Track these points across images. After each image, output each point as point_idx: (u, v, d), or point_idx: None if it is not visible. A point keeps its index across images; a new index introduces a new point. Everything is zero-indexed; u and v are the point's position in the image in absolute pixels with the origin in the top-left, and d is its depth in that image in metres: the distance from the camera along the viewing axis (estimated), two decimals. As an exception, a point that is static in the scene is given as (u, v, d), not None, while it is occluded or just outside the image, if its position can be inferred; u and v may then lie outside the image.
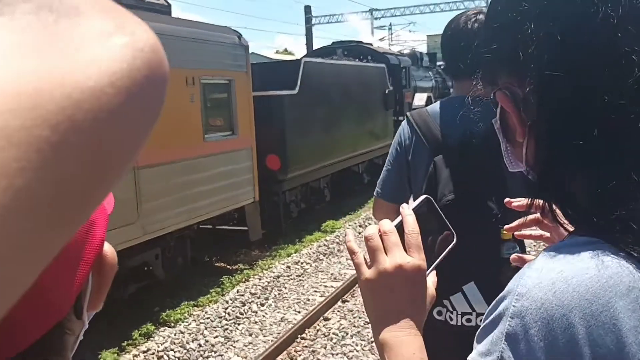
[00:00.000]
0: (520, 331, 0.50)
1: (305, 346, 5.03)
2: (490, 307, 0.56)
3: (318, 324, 5.45)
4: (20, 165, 0.20)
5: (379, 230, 0.74)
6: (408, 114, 1.99)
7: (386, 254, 0.72)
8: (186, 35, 6.20)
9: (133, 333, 5.27)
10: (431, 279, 0.77)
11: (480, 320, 0.59)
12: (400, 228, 0.75)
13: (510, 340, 0.51)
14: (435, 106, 1.96)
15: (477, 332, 0.57)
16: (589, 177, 0.55)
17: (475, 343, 0.57)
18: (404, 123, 1.99)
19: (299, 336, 5.18)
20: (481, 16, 1.88)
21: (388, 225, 0.74)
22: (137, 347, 5.11)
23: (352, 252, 0.76)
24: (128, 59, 0.24)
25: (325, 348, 4.97)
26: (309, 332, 5.29)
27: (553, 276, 0.51)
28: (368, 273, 0.72)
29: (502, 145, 0.73)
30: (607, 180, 0.54)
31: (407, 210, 0.76)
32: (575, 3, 0.57)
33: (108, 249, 0.41)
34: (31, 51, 0.22)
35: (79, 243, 0.35)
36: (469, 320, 1.79)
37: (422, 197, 0.82)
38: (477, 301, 1.77)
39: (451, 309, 1.79)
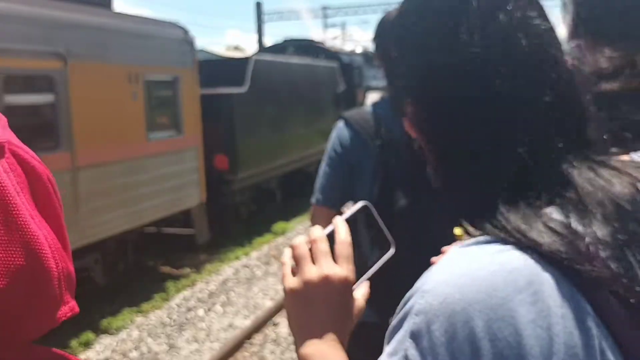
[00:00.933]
0: (423, 327, 0.51)
1: (254, 352, 4.93)
2: (399, 306, 0.56)
3: (266, 329, 5.35)
4: None
5: (308, 239, 0.73)
6: (345, 114, 1.88)
7: (314, 263, 0.71)
8: (128, 30, 5.99)
9: (71, 342, 5.06)
10: (361, 291, 0.75)
11: None
12: (331, 237, 0.73)
13: (415, 337, 0.51)
14: (375, 104, 1.89)
15: (387, 332, 0.56)
16: (480, 182, 0.59)
17: (385, 344, 0.56)
18: (341, 125, 1.88)
19: (247, 342, 5.07)
20: None
21: (318, 232, 0.73)
22: (76, 356, 4.88)
23: (283, 263, 0.74)
24: None
25: (273, 354, 4.88)
26: (257, 337, 5.18)
27: (456, 272, 0.52)
28: (292, 282, 0.71)
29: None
30: (495, 182, 0.57)
31: (340, 219, 0.75)
32: (443, 30, 0.61)
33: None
34: None
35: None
36: None
37: (360, 203, 0.79)
38: None
39: None
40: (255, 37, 27.98)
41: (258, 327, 5.28)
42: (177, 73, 6.73)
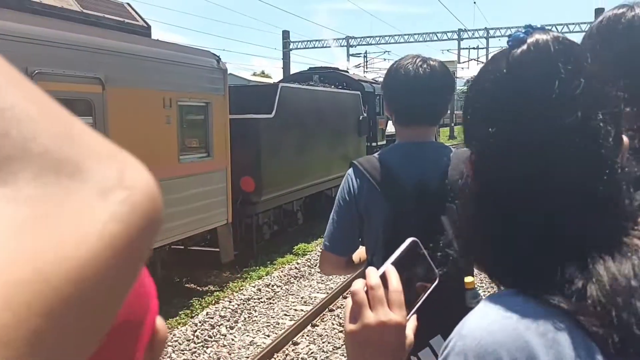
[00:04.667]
0: None
1: (274, 370, 5.03)
2: (442, 346, 0.67)
3: (287, 349, 5.45)
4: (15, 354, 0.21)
5: (365, 284, 0.81)
6: (354, 161, 1.88)
7: (371, 309, 0.80)
8: (165, 58, 6.26)
9: (99, 355, 5.20)
10: (411, 325, 0.83)
11: None
12: (383, 278, 0.81)
13: None
14: (383, 153, 1.90)
15: None
16: (508, 239, 0.69)
17: None
18: (350, 171, 1.87)
19: (268, 360, 5.18)
20: (432, 62, 1.83)
21: (374, 279, 0.81)
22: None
23: (345, 307, 0.84)
24: (125, 218, 0.26)
25: (293, 372, 4.98)
26: (277, 356, 5.29)
27: (489, 320, 0.64)
28: (353, 326, 0.81)
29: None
30: (523, 241, 0.67)
31: (390, 266, 0.83)
32: (532, 90, 0.68)
33: (160, 323, 0.40)
34: (31, 227, 0.23)
35: (138, 324, 0.35)
36: None
37: (409, 240, 0.87)
38: None
39: None
40: (281, 64, 28.48)
41: (279, 346, 5.38)
42: (209, 99, 6.99)
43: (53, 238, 0.24)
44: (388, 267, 0.83)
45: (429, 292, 0.86)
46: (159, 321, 0.39)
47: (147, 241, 0.28)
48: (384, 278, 0.81)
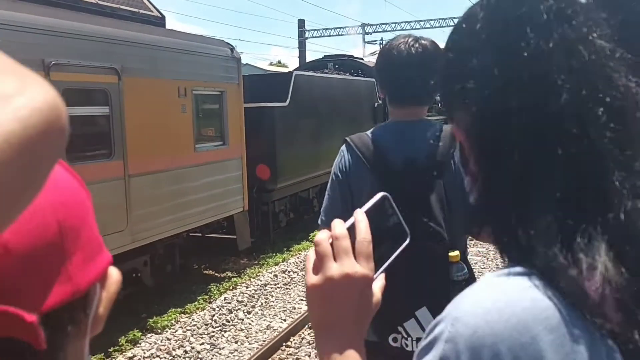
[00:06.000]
0: (452, 356, 0.52)
1: (290, 354, 5.11)
2: (428, 328, 0.57)
3: (303, 332, 5.53)
4: None
5: (330, 235, 0.71)
6: (347, 138, 1.90)
7: (335, 260, 0.69)
8: (179, 47, 6.32)
9: (120, 339, 5.32)
10: (378, 283, 0.74)
11: None
12: (351, 230, 0.71)
13: None
14: (375, 131, 1.92)
15: (415, 353, 0.57)
16: (524, 211, 0.57)
17: None
18: (343, 148, 1.91)
19: (284, 344, 5.25)
20: (423, 42, 1.84)
21: (340, 229, 0.71)
22: (124, 353, 5.16)
23: (306, 259, 0.74)
24: (24, 119, 0.29)
25: (309, 356, 5.05)
26: (294, 339, 5.37)
27: (488, 305, 0.52)
28: (314, 279, 0.70)
29: (464, 178, 0.72)
30: (540, 215, 0.56)
31: (361, 215, 0.73)
32: (509, 37, 0.60)
33: (114, 269, 0.47)
34: None
35: (96, 242, 0.43)
36: None
37: (379, 194, 0.78)
38: None
39: (406, 336, 1.76)
40: (297, 53, 28.46)
41: (295, 330, 5.47)
42: (223, 88, 7.04)
43: None
44: (358, 215, 0.73)
45: (399, 251, 0.77)
46: (113, 269, 0.47)
47: (49, 144, 0.31)
48: (352, 229, 0.72)
